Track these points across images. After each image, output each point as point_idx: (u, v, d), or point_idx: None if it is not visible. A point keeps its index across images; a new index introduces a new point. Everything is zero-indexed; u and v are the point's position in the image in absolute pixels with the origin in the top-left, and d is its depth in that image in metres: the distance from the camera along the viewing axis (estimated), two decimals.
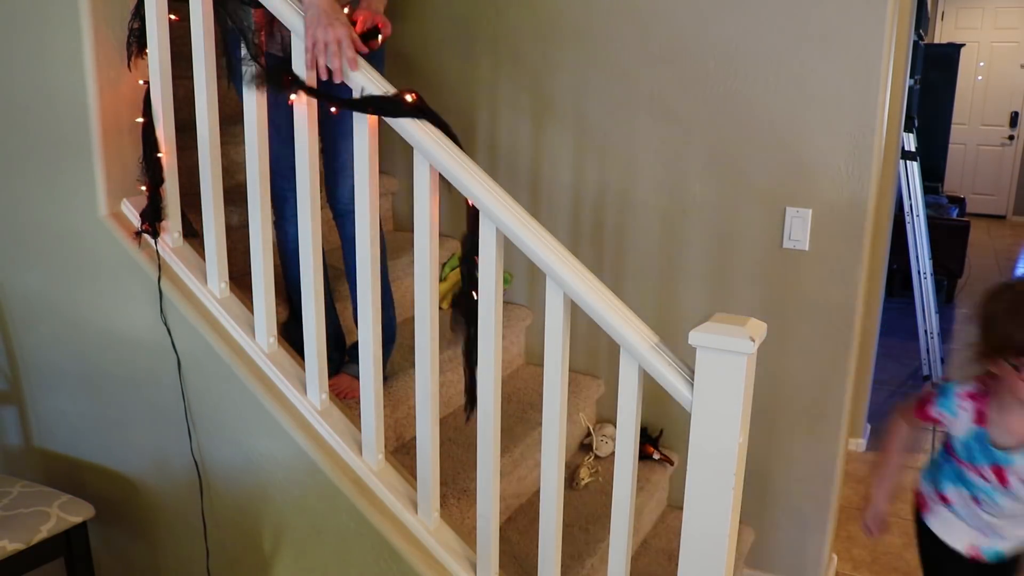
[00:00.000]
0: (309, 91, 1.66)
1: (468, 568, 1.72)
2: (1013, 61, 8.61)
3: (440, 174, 1.58)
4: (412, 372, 2.17)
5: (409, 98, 1.57)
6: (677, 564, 1.44)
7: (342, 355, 2.19)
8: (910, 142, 4.07)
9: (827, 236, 2.23)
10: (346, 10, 1.78)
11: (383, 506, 1.78)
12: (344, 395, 2.08)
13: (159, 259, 1.90)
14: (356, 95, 1.62)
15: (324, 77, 1.63)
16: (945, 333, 5.24)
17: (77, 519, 1.90)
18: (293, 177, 1.90)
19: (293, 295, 2.15)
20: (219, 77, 1.82)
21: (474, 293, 1.61)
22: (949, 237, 5.65)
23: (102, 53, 1.86)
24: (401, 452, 2.09)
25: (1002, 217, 9.08)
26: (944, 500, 1.79)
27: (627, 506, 1.49)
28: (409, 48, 2.72)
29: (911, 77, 3.43)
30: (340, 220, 2.09)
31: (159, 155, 1.87)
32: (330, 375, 2.07)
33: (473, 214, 1.59)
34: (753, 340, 1.30)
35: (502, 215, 1.50)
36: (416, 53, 2.72)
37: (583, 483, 2.39)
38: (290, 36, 1.68)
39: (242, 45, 1.72)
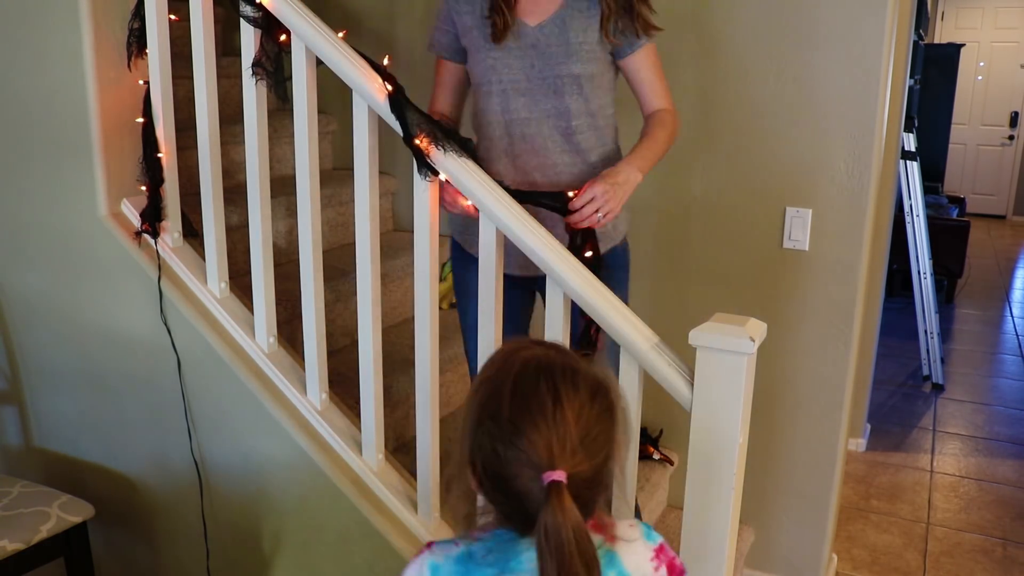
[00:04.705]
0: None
1: None
2: (1013, 61, 8.61)
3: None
4: (412, 372, 2.16)
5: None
6: None
7: None
8: (910, 142, 4.07)
9: (827, 236, 2.23)
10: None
11: (383, 506, 1.78)
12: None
13: (159, 259, 1.90)
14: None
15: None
16: (945, 333, 5.24)
17: (77, 519, 1.90)
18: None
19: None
20: (219, 77, 1.82)
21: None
22: (949, 237, 5.65)
23: (102, 53, 1.86)
24: (401, 452, 2.09)
25: (1002, 217, 9.08)
26: None
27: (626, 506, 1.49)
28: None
29: (911, 77, 3.43)
30: None
31: (159, 155, 1.87)
32: None
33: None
34: (753, 340, 1.30)
35: (502, 215, 1.50)
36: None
37: None
38: None
39: None
